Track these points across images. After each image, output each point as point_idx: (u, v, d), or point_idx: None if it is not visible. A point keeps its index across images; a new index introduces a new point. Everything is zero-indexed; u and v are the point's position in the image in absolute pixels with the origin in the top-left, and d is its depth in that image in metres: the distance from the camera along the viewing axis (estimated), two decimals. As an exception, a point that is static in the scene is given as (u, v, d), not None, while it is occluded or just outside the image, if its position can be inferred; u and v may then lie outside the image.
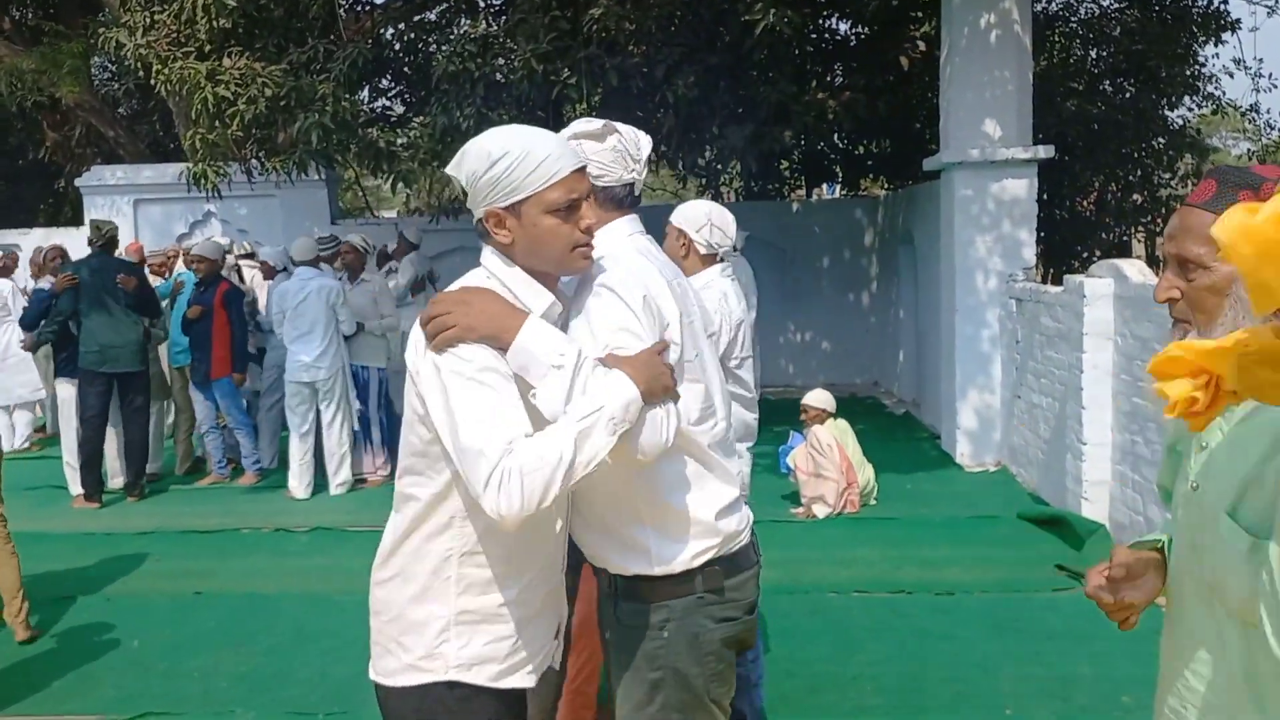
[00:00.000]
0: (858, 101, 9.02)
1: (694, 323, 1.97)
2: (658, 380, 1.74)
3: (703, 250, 3.30)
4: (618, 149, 1.99)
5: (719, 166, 10.65)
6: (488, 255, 1.85)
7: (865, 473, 6.34)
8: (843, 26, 11.61)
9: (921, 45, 10.67)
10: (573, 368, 1.69)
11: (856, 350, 11.53)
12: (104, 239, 7.00)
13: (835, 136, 11.96)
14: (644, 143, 2.04)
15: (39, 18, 13.84)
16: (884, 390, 11.01)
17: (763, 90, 8.51)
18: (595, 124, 1.99)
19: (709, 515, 1.93)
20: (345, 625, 4.65)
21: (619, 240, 1.98)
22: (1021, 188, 7.34)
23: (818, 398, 6.35)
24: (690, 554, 1.92)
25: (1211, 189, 1.49)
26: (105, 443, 7.14)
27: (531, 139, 1.75)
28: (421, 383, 1.74)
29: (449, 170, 1.84)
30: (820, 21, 10.88)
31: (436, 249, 10.13)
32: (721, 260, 3.35)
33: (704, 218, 3.30)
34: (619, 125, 2.02)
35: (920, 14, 10.54)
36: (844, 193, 14.42)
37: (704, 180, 11.74)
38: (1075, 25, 13.01)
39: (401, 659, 1.84)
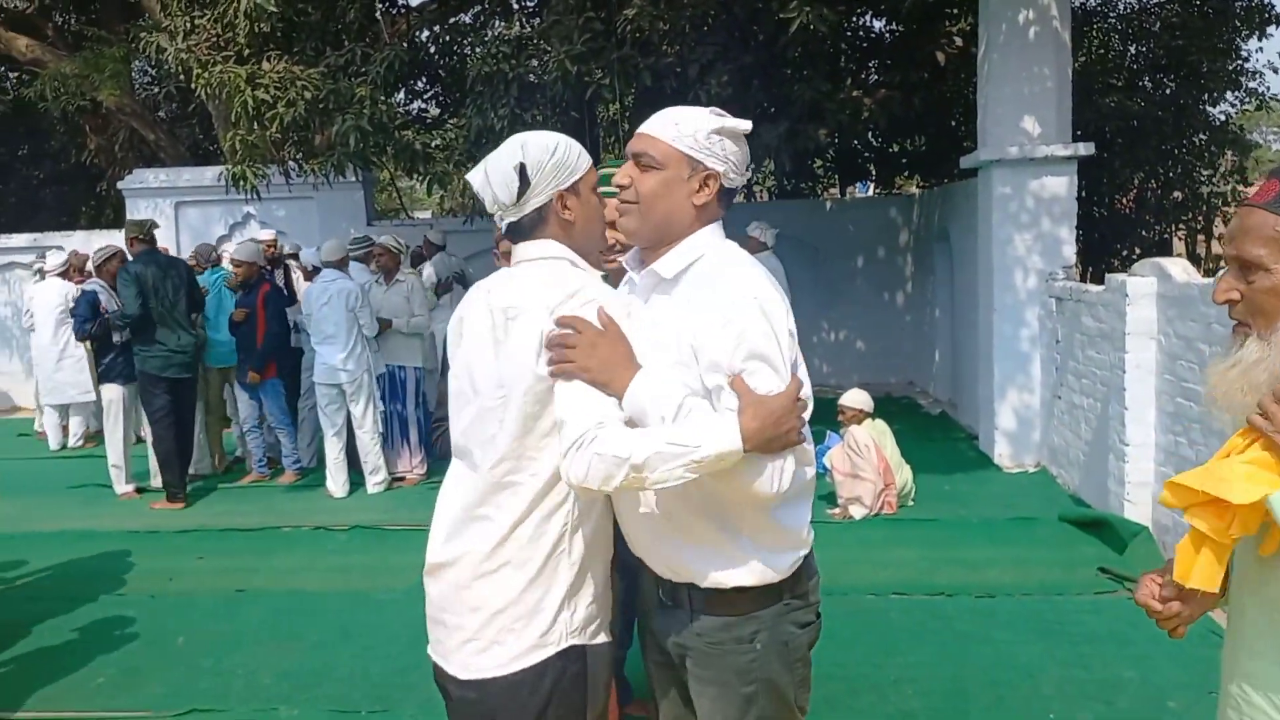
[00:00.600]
0: (893, 99, 8.94)
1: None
2: (783, 437, 1.73)
3: None
4: (743, 153, 1.96)
5: (752, 165, 10.60)
6: (547, 244, 1.93)
7: (904, 474, 6.29)
8: (878, 23, 11.53)
9: (958, 41, 10.55)
10: (671, 420, 1.73)
11: (892, 350, 11.42)
12: (148, 235, 7.07)
13: (870, 134, 11.88)
14: None
15: (81, 23, 14.07)
16: (920, 390, 10.92)
17: (797, 88, 8.46)
18: (742, 124, 1.93)
19: (803, 525, 1.95)
20: (386, 622, 4.70)
21: (718, 243, 1.95)
22: (1061, 185, 7.25)
23: (855, 398, 6.30)
24: (789, 564, 1.92)
25: (1274, 189, 1.46)
26: (159, 443, 7.06)
27: (557, 133, 1.97)
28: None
29: (497, 168, 1.91)
30: (855, 19, 10.81)
31: (469, 250, 10.17)
32: None
33: None
34: None
35: (956, 10, 10.43)
36: (878, 191, 14.33)
37: (737, 179, 11.72)
38: (1114, 20, 12.86)
39: (515, 646, 1.88)
